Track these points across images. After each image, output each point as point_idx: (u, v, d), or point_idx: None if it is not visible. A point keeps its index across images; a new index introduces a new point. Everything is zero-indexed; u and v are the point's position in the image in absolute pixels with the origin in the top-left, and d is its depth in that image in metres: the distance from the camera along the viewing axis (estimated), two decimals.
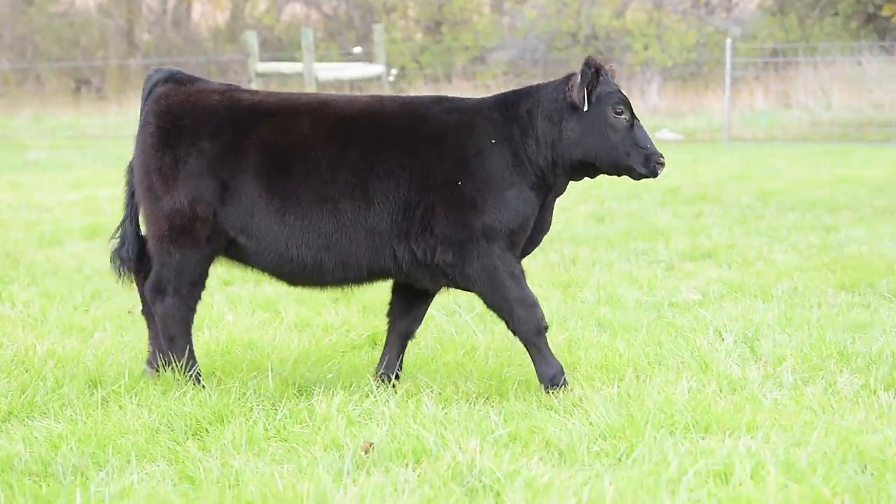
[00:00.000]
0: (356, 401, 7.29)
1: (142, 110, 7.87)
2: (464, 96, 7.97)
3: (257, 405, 7.31)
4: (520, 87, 7.85)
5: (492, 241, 7.47)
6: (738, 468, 5.95)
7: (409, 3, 47.38)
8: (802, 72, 34.01)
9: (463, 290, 7.68)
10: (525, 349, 7.63)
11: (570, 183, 7.75)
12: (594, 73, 7.53)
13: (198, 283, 7.75)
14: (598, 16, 43.59)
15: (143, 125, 7.77)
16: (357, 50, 39.95)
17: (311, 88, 30.05)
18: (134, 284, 8.11)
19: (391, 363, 7.96)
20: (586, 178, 7.78)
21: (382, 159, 7.51)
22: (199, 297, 7.81)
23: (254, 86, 29.97)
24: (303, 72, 30.09)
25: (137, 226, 7.99)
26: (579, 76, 7.53)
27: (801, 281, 11.04)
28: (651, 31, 43.39)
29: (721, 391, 7.45)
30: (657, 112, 38.02)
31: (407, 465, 6.25)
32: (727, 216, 16.20)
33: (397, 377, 7.91)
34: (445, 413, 7.03)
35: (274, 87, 38.64)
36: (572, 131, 7.56)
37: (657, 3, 46.09)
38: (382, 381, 7.84)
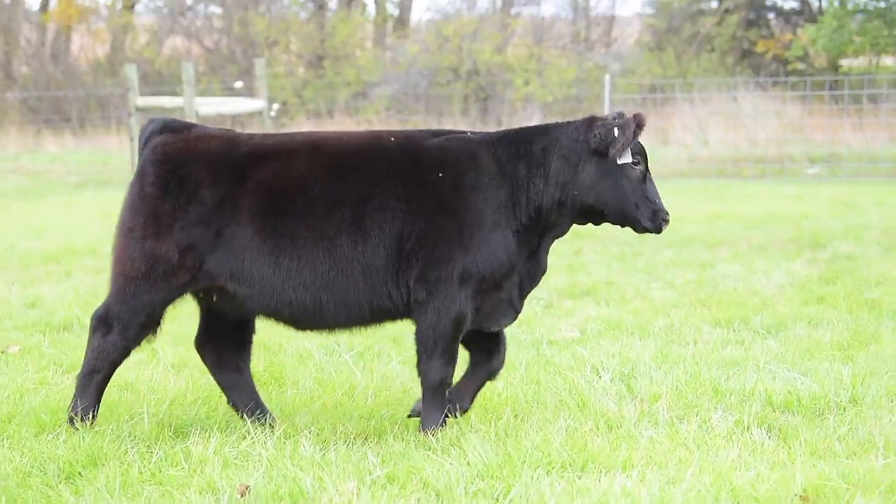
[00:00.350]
0: (233, 442, 7.24)
1: (139, 161, 7.78)
2: (466, 130, 7.90)
3: (132, 447, 7.20)
4: (533, 125, 7.75)
5: (463, 284, 7.40)
6: None
7: (291, 38, 47.34)
8: (680, 108, 34.52)
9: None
10: (422, 391, 7.56)
11: None
12: (637, 128, 7.41)
13: (148, 327, 7.63)
14: (480, 51, 43.94)
15: (141, 175, 7.64)
16: (238, 84, 39.83)
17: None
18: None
19: (467, 395, 7.79)
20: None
21: (380, 192, 7.42)
22: (140, 342, 7.68)
23: (133, 121, 29.82)
24: (184, 106, 29.94)
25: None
26: (623, 130, 7.38)
27: (678, 318, 11.18)
28: (532, 66, 43.82)
29: (598, 429, 7.50)
30: None
31: None
32: (606, 253, 16.36)
33: (465, 410, 7.77)
34: (323, 454, 7.00)
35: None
36: (589, 175, 7.48)
37: (537, 38, 46.62)
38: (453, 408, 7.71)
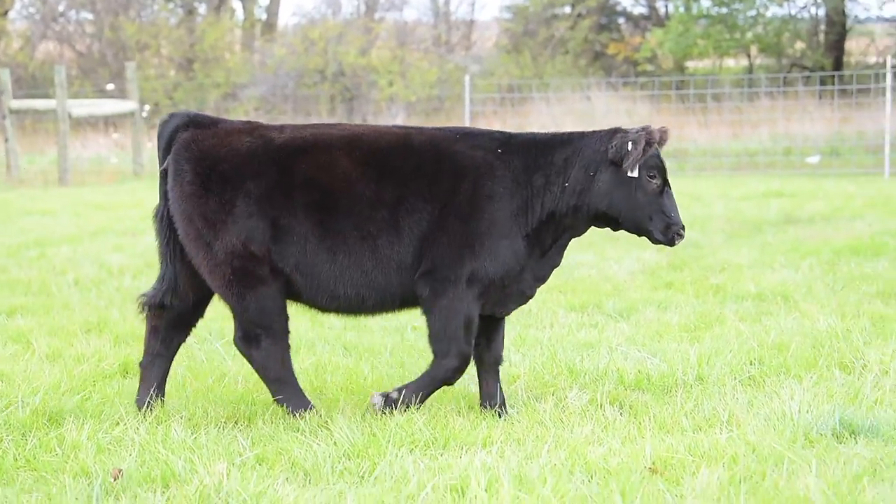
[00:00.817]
0: (106, 429, 7.35)
1: (163, 156, 7.72)
2: (489, 130, 7.96)
3: (7, 436, 7.26)
4: (558, 134, 7.85)
5: (470, 286, 7.57)
6: (473, 482, 6.21)
7: (161, 42, 47.00)
8: (536, 107, 35.03)
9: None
10: (426, 372, 7.73)
11: None
12: (647, 144, 7.49)
13: (283, 315, 7.65)
14: (345, 53, 44.17)
15: (178, 173, 7.59)
16: (110, 87, 39.48)
17: (64, 125, 29.86)
18: (149, 333, 7.98)
19: (492, 393, 7.91)
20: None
21: (410, 192, 7.56)
22: (289, 331, 7.70)
23: (8, 122, 29.70)
24: (56, 108, 29.86)
25: (180, 273, 7.82)
26: (636, 145, 7.48)
27: (535, 303, 11.46)
28: (395, 68, 44.12)
29: (460, 409, 7.78)
30: None
31: (155, 490, 6.34)
32: None
33: (503, 404, 7.88)
34: (194, 438, 7.15)
35: (29, 123, 37.97)
36: (604, 183, 7.59)
37: (401, 41, 46.93)
38: (488, 409, 7.83)
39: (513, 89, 37.16)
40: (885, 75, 29.85)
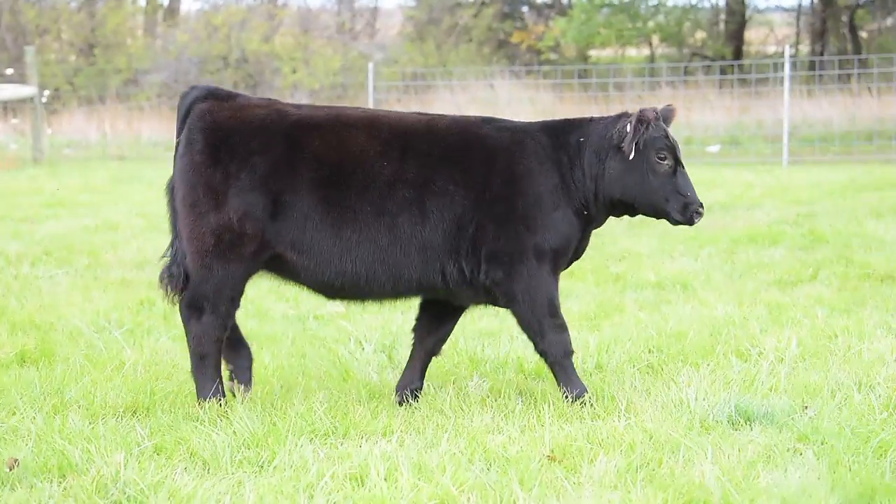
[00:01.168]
0: (2, 418, 7.29)
1: (180, 128, 7.71)
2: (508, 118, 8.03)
3: None
4: (571, 118, 7.91)
5: (540, 261, 7.58)
6: (372, 471, 6.25)
7: (62, 26, 46.38)
8: (440, 95, 35.09)
9: (501, 307, 7.79)
10: (549, 369, 7.77)
11: None
12: (645, 127, 7.57)
13: (235, 300, 7.63)
14: (248, 40, 43.87)
15: (189, 142, 7.59)
16: (9, 71, 38.89)
17: None
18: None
19: (414, 378, 7.97)
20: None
21: (438, 175, 7.55)
22: (234, 315, 7.69)
23: None
24: None
25: None
26: (630, 126, 7.58)
27: None
28: (298, 55, 43.94)
29: (360, 398, 7.80)
30: None
31: (52, 480, 6.29)
32: None
33: (418, 391, 7.93)
34: (92, 428, 7.11)
35: None
36: (614, 170, 7.64)
37: (304, 27, 46.73)
38: (405, 397, 7.86)
39: (417, 77, 37.16)
40: (783, 65, 30.25)
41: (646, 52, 51.57)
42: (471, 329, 9.77)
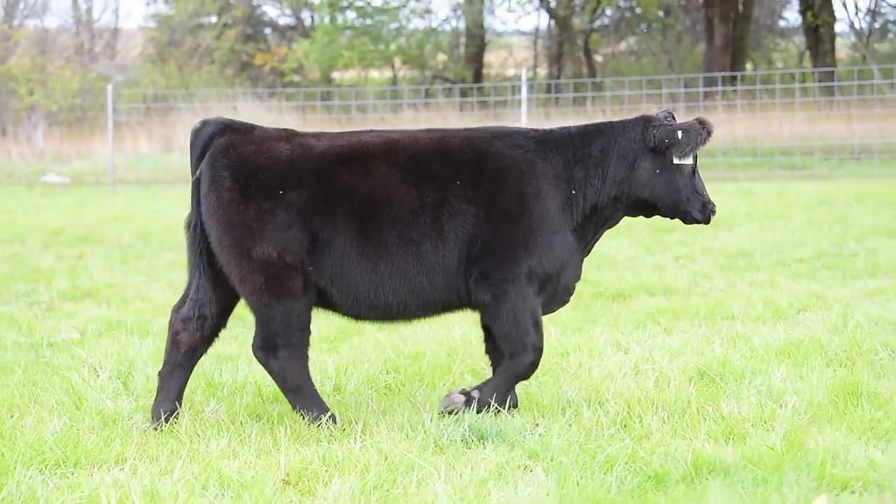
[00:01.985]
0: None
1: (196, 163, 7.57)
2: (523, 128, 8.01)
3: None
4: (589, 125, 7.97)
5: (530, 283, 7.65)
6: (103, 499, 6.16)
7: None
8: (183, 117, 34.76)
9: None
10: (493, 373, 7.95)
11: None
12: (707, 135, 7.73)
13: (305, 330, 7.58)
14: None
15: (215, 179, 7.46)
16: None
17: None
18: (171, 343, 7.78)
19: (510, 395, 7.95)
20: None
21: (452, 195, 7.56)
22: (309, 344, 7.63)
23: None
24: None
25: (210, 284, 7.67)
26: (690, 135, 7.71)
27: None
28: (35, 76, 42.94)
29: (93, 426, 7.64)
30: (43, 156, 37.55)
31: None
32: (109, 256, 16.41)
33: (515, 406, 7.93)
34: None
35: None
36: (644, 171, 7.78)
37: (41, 48, 45.69)
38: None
39: (158, 99, 36.73)
40: (521, 87, 30.93)
41: (388, 74, 52.12)
42: (209, 354, 9.64)
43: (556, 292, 7.93)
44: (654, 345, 9.71)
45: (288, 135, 7.75)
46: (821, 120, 32.40)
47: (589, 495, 6.21)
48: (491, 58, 54.69)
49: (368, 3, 46.62)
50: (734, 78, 35.47)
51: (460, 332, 10.37)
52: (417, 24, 48.93)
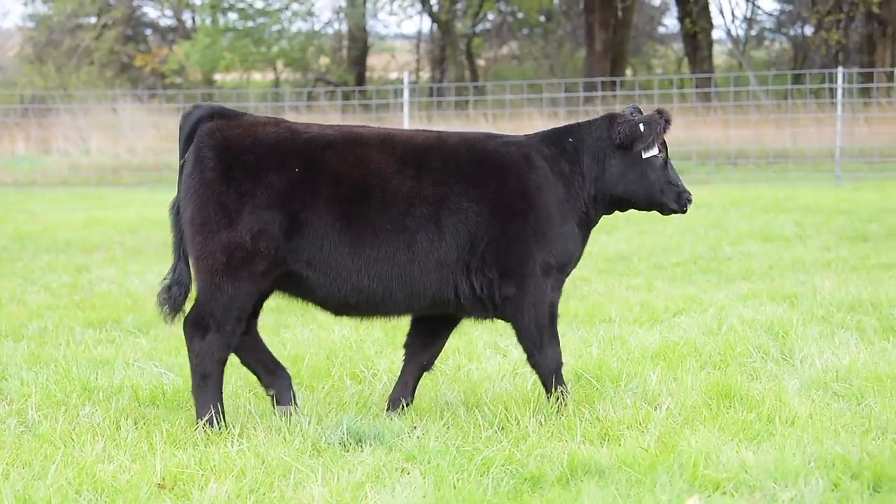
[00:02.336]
0: None
1: (184, 147, 7.63)
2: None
3: None
4: (559, 127, 8.13)
5: (546, 276, 7.76)
6: None
7: None
8: (61, 118, 34.29)
9: (506, 319, 7.90)
10: (539, 378, 7.98)
11: None
12: (666, 123, 7.88)
13: (241, 320, 7.59)
14: None
15: (198, 161, 7.52)
16: None
17: None
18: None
19: (406, 393, 8.10)
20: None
21: (453, 192, 7.63)
22: (238, 335, 7.63)
23: None
24: None
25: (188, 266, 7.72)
26: (650, 126, 7.85)
27: (52, 320, 11.28)
28: None
29: None
30: None
31: None
32: None
33: (407, 405, 8.04)
34: None
35: None
36: (615, 168, 7.92)
37: None
38: (395, 407, 8.02)
39: (35, 100, 36.20)
40: (403, 91, 30.98)
41: (271, 76, 51.91)
42: (85, 357, 9.58)
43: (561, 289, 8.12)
44: None
45: (277, 121, 7.84)
46: (698, 125, 32.84)
47: (465, 497, 6.25)
48: (374, 61, 54.74)
49: (250, 5, 46.33)
50: (614, 83, 35.86)
51: (339, 335, 10.37)
52: (300, 26, 48.81)
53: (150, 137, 32.82)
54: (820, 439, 7.10)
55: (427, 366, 8.22)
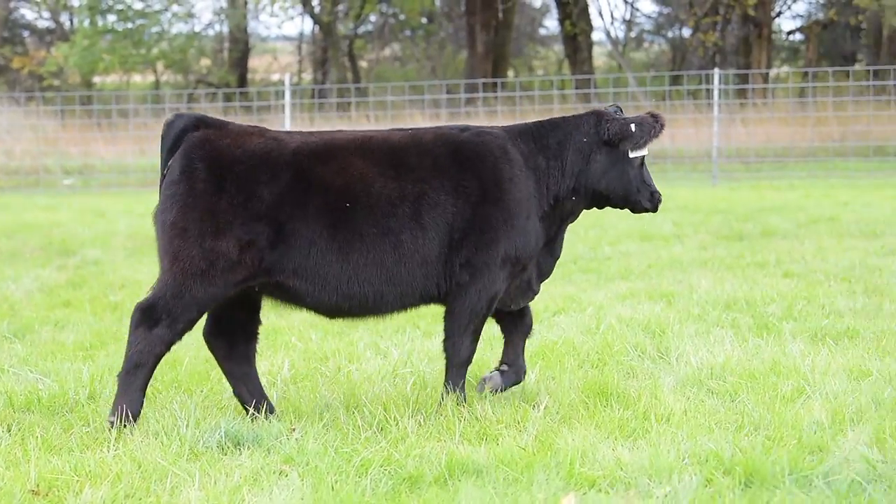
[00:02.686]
0: None
1: (167, 157, 7.60)
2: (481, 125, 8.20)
3: None
4: (544, 120, 8.20)
5: (503, 267, 7.87)
6: None
7: None
8: None
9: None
10: (448, 366, 8.01)
11: None
12: (661, 127, 8.04)
13: (193, 322, 7.59)
14: None
15: (189, 171, 7.50)
16: None
17: None
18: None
19: (515, 358, 8.33)
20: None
21: (431, 187, 7.72)
22: (183, 336, 7.61)
23: None
24: None
25: None
26: (643, 128, 8.00)
27: None
28: None
29: None
30: None
31: None
32: None
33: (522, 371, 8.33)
34: None
35: None
36: (599, 164, 8.07)
37: None
38: (508, 370, 8.27)
39: None
40: (284, 92, 30.86)
41: (151, 78, 51.42)
42: None
43: (521, 283, 8.16)
44: (413, 348, 9.84)
45: (261, 130, 7.85)
46: None
47: (343, 499, 6.27)
48: (256, 63, 54.50)
49: (129, 7, 45.85)
50: (495, 84, 36.02)
51: None
52: (180, 28, 48.39)
53: (28, 140, 32.34)
54: (694, 436, 7.22)
55: (528, 332, 8.46)
